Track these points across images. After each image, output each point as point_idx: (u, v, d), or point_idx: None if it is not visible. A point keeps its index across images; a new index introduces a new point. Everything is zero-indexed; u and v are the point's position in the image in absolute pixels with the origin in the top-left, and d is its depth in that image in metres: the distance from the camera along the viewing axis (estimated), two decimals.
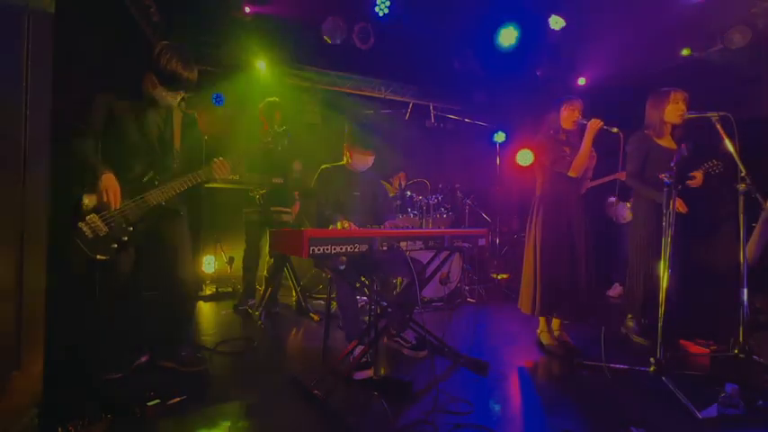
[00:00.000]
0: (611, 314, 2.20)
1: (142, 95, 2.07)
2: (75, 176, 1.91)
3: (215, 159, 2.17)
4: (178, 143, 2.19)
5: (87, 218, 1.87)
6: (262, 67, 4.83)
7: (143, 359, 2.21)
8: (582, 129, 2.60)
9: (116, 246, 1.95)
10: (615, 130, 2.44)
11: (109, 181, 1.90)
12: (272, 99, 3.70)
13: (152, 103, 2.09)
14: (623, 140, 2.45)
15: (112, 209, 1.91)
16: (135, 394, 1.83)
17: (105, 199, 1.88)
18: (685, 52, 4.16)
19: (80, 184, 1.91)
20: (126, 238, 1.97)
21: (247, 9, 4.13)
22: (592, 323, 2.84)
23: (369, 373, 2.15)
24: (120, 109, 2.01)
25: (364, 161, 2.64)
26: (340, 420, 1.74)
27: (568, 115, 2.65)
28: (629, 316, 2.94)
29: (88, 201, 1.90)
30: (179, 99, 2.15)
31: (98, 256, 1.90)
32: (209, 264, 4.53)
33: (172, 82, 2.03)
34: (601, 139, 2.56)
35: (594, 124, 2.51)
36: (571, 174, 2.59)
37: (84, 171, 1.91)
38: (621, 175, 2.86)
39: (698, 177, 2.61)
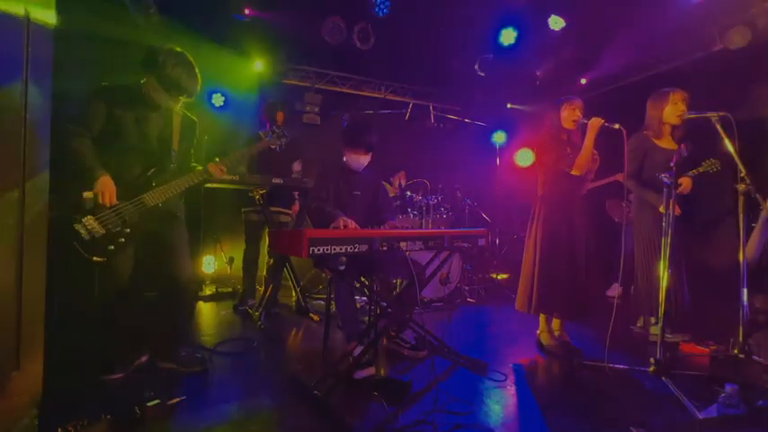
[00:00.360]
0: (612, 314, 2.19)
1: (143, 97, 2.06)
2: (75, 176, 1.90)
3: (212, 162, 2.20)
4: (177, 145, 2.19)
5: (84, 219, 1.86)
6: (261, 67, 4.84)
7: (143, 359, 2.21)
8: (583, 128, 2.60)
9: (113, 247, 1.94)
10: (617, 126, 2.42)
11: (105, 183, 1.89)
12: (274, 99, 3.71)
13: (152, 105, 2.09)
14: (626, 137, 2.43)
15: (108, 210, 1.91)
16: (134, 395, 1.83)
17: (101, 201, 1.87)
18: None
19: (80, 184, 1.90)
20: (123, 240, 1.96)
21: (247, 11, 4.13)
22: (592, 323, 2.84)
23: (370, 371, 2.15)
24: (120, 109, 2.01)
25: (357, 160, 2.63)
26: (340, 420, 1.74)
27: (569, 115, 2.65)
28: (652, 319, 2.91)
29: (86, 196, 1.89)
30: (180, 103, 2.15)
31: (94, 258, 1.90)
32: (208, 264, 4.53)
33: (175, 88, 2.04)
34: (602, 142, 2.55)
35: (596, 122, 2.50)
36: (574, 172, 2.58)
37: (83, 171, 1.90)
38: (621, 177, 2.86)
39: (685, 184, 2.60)
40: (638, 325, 3.13)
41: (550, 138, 2.70)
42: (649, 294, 2.69)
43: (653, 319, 2.92)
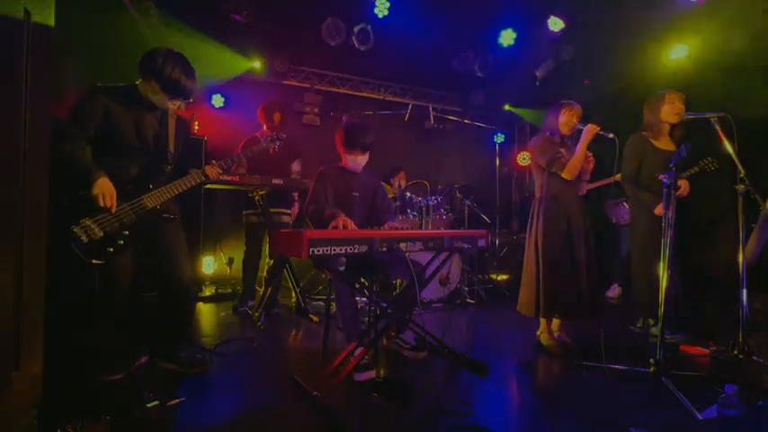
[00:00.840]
0: (611, 315, 2.19)
1: (140, 98, 2.06)
2: (74, 178, 1.89)
3: (208, 163, 2.22)
4: (172, 146, 2.19)
5: (82, 221, 1.84)
6: (261, 68, 4.85)
7: (142, 360, 2.21)
8: (578, 134, 2.61)
9: (112, 250, 1.93)
10: (611, 135, 2.45)
11: (104, 185, 1.87)
12: (271, 100, 3.71)
13: (148, 106, 2.09)
14: (619, 146, 2.45)
15: (110, 213, 1.90)
16: (134, 395, 1.83)
17: (101, 203, 1.86)
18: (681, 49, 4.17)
19: (78, 186, 1.89)
20: (122, 242, 1.96)
21: (244, 13, 4.12)
22: (592, 323, 2.84)
23: (371, 374, 2.15)
24: (117, 110, 1.99)
25: (354, 161, 2.62)
26: (340, 422, 1.74)
27: (567, 120, 2.66)
28: (651, 321, 2.92)
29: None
30: (178, 105, 2.15)
31: (93, 261, 1.88)
32: (208, 265, 4.53)
33: (175, 90, 2.03)
34: (599, 141, 2.56)
35: (591, 129, 2.51)
36: (565, 176, 2.59)
37: (78, 174, 1.88)
38: (619, 177, 2.86)
39: (683, 186, 2.62)
40: (638, 325, 3.13)
41: (545, 139, 2.72)
42: (647, 296, 2.70)
43: (652, 321, 2.92)
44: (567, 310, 2.65)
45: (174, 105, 2.12)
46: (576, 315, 2.66)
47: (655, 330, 2.91)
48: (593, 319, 2.64)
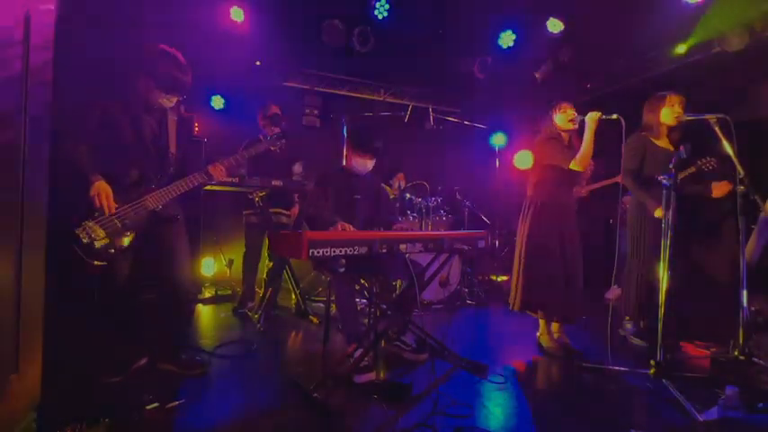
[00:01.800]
0: (610, 316, 2.19)
1: (138, 98, 2.06)
2: (75, 179, 1.90)
3: (211, 164, 2.21)
4: (174, 146, 2.19)
5: (84, 223, 1.85)
6: (261, 67, 4.85)
7: (142, 362, 2.20)
8: (581, 125, 2.60)
9: (113, 251, 1.93)
10: (615, 116, 2.40)
11: (101, 187, 1.88)
12: (269, 101, 3.72)
13: (147, 106, 2.09)
14: (624, 127, 2.40)
15: (107, 214, 1.90)
16: (133, 398, 1.83)
17: (98, 204, 1.87)
18: (680, 49, 4.16)
19: (79, 187, 1.89)
20: (124, 243, 1.96)
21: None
22: (592, 325, 2.84)
23: (370, 376, 2.15)
24: (115, 111, 2.00)
25: (363, 164, 2.63)
26: (340, 423, 1.74)
27: (563, 116, 2.66)
28: (627, 318, 2.93)
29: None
30: (174, 102, 2.15)
31: (95, 262, 1.89)
32: (208, 266, 4.52)
33: (169, 86, 2.04)
34: (598, 145, 2.55)
35: (593, 116, 2.48)
36: (575, 166, 2.54)
37: (78, 176, 1.89)
38: (620, 179, 2.86)
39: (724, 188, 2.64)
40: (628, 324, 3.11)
41: (550, 140, 2.70)
42: (636, 296, 2.71)
43: (627, 322, 2.93)
44: (547, 308, 2.67)
45: (170, 102, 2.13)
46: (560, 314, 2.67)
47: (627, 324, 2.94)
48: (579, 319, 2.64)
